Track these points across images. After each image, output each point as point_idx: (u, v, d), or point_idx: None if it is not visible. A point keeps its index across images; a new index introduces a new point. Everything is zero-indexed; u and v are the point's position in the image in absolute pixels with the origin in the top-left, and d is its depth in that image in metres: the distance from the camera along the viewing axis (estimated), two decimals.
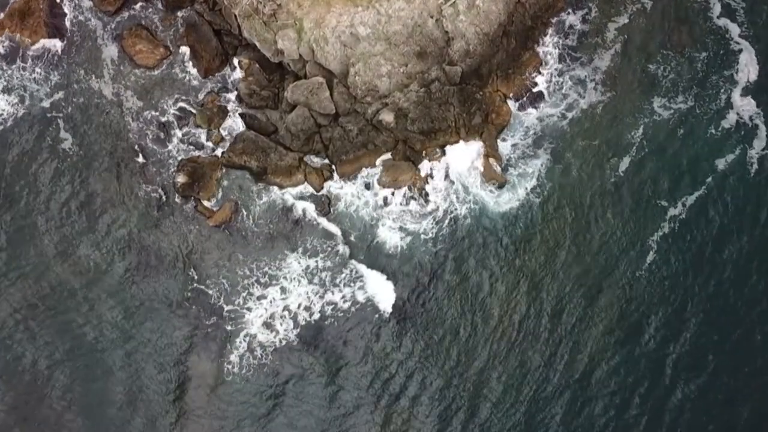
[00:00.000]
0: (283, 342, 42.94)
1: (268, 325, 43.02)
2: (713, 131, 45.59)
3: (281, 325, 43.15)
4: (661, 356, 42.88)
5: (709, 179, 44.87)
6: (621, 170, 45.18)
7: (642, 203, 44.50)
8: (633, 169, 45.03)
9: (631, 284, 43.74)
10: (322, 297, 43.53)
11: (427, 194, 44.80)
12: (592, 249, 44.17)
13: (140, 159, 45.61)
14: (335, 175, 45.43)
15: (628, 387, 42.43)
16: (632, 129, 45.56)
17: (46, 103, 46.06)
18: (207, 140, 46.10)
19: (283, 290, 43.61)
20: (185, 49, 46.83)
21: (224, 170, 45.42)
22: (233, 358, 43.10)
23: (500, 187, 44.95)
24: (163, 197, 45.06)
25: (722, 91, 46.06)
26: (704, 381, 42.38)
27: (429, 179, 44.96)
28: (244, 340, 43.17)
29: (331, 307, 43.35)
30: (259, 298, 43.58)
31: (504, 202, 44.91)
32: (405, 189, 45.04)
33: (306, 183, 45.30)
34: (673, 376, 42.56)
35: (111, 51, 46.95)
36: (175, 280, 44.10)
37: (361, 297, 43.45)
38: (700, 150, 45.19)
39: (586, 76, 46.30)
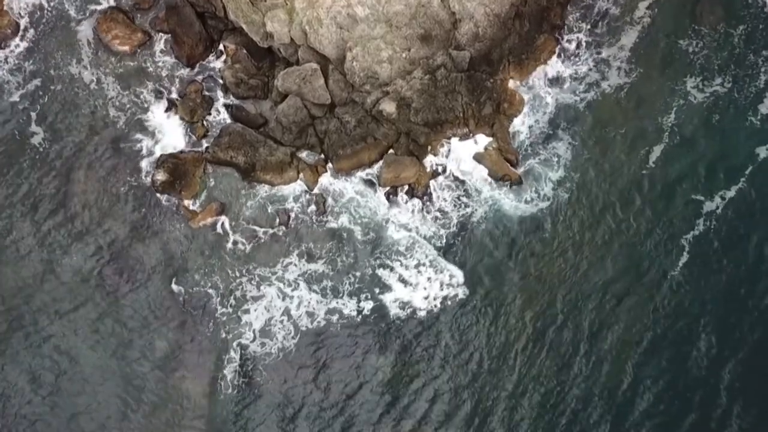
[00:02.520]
0: (281, 355, 41.51)
1: (263, 336, 41.73)
2: (752, 116, 43.49)
3: (278, 335, 41.73)
4: (693, 369, 41.11)
5: (749, 170, 42.88)
6: (651, 161, 43.24)
7: (674, 197, 42.69)
8: (664, 160, 43.13)
9: (661, 289, 41.99)
10: (320, 306, 42.23)
11: (433, 193, 43.46)
12: (619, 250, 42.48)
13: (116, 155, 43.93)
14: (331, 172, 43.77)
15: (654, 404, 40.71)
16: (663, 114, 43.57)
17: (13, 96, 44.47)
18: (189, 134, 44.38)
19: (278, 298, 42.28)
20: (165, 35, 45.10)
21: (208, 167, 43.70)
22: (223, 372, 41.55)
23: (514, 184, 43.36)
24: (142, 197, 43.37)
25: (762, 71, 43.91)
26: (748, 402, 40.22)
27: (435, 176, 43.46)
28: (236, 352, 41.69)
29: (333, 316, 42.02)
30: (250, 307, 42.12)
31: (518, 200, 43.22)
32: (408, 187, 43.50)
33: (299, 181, 43.61)
34: (707, 390, 40.68)
35: (84, 37, 45.09)
36: (156, 287, 42.44)
37: (365, 307, 42.16)
38: (739, 137, 43.18)
39: (609, 57, 44.42)
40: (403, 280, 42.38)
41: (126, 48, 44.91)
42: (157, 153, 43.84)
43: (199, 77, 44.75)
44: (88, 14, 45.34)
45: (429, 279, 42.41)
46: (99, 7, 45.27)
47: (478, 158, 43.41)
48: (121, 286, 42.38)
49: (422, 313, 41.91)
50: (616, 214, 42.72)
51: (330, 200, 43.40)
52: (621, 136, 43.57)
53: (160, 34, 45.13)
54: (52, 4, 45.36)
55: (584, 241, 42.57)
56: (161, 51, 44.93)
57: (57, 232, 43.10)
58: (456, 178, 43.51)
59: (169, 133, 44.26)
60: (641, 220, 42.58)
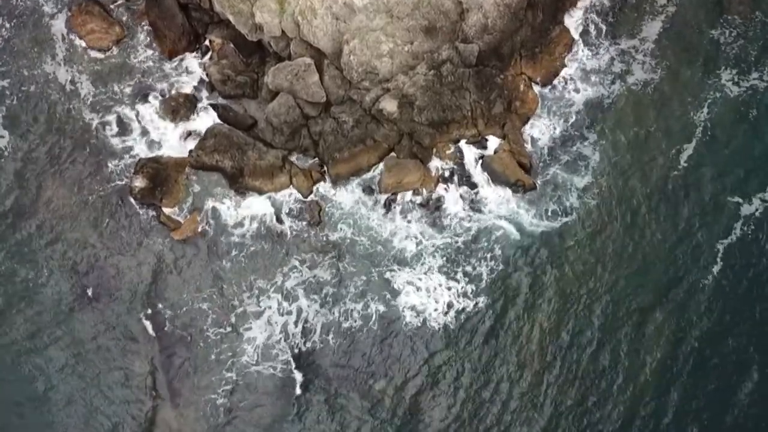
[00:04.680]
0: (275, 377, 40.28)
1: (258, 357, 40.59)
2: None
3: (273, 356, 40.51)
4: (731, 387, 39.68)
5: None
6: (683, 161, 42.33)
7: (709, 200, 41.74)
8: (698, 159, 42.30)
9: (693, 300, 40.78)
10: (317, 322, 41.08)
11: (438, 200, 42.49)
12: (649, 259, 41.37)
13: (90, 159, 42.94)
14: (327, 178, 42.85)
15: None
16: (695, 110, 42.87)
17: None
18: (172, 136, 43.55)
19: (271, 315, 41.14)
20: (145, 28, 44.58)
21: (192, 172, 42.73)
22: (210, 397, 39.92)
23: (528, 189, 42.28)
24: (119, 205, 42.40)
25: None
26: None
27: (441, 181, 42.53)
28: (226, 377, 40.29)
29: (332, 335, 40.96)
30: (238, 324, 40.89)
31: (533, 206, 42.24)
32: (411, 193, 42.59)
33: (291, 187, 42.69)
34: (745, 411, 39.21)
35: (58, 32, 44.54)
36: (133, 306, 41.18)
37: (369, 321, 40.99)
38: None
39: (632, 49, 43.77)
40: (410, 293, 41.35)
41: (103, 43, 44.16)
42: (136, 157, 42.87)
43: (182, 74, 44.04)
44: (62, 7, 44.51)
45: (438, 291, 41.19)
46: None
47: (488, 161, 42.38)
48: (96, 305, 41.18)
49: (435, 326, 40.77)
50: (645, 220, 41.84)
51: (326, 208, 42.35)
52: (649, 134, 42.67)
53: (140, 27, 44.56)
54: None
55: (610, 249, 41.71)
56: (141, 46, 44.35)
57: (24, 244, 41.97)
58: (464, 183, 42.45)
59: (148, 136, 43.44)
60: (672, 225, 41.69)
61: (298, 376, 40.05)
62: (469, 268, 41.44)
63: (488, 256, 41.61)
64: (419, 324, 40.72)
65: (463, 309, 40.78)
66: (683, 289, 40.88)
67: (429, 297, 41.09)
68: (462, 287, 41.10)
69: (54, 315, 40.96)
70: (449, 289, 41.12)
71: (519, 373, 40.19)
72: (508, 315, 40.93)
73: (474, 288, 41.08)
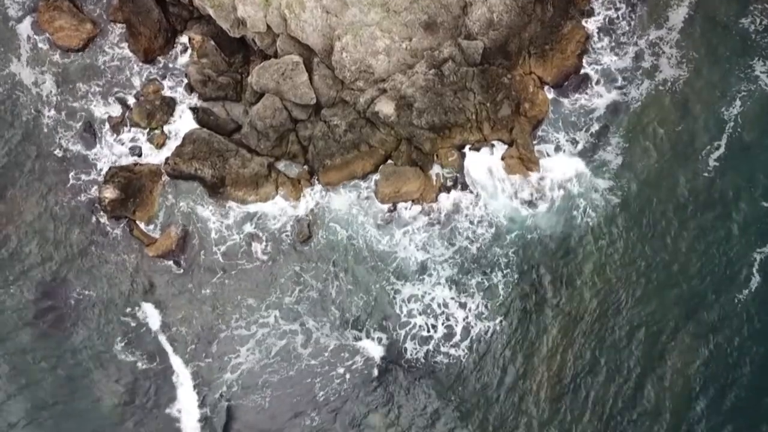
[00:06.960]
0: (260, 407, 39.26)
1: (241, 387, 39.72)
2: None
3: (258, 383, 39.47)
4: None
5: None
6: (711, 162, 41.38)
7: (742, 206, 40.75)
8: (729, 160, 41.49)
9: (727, 316, 39.68)
10: (309, 348, 40.09)
11: (440, 210, 41.55)
12: (676, 270, 40.37)
13: (58, 169, 42.14)
14: (317, 186, 42.03)
15: None
16: (726, 106, 41.94)
17: None
18: (146, 142, 42.98)
19: (254, 339, 40.19)
20: (119, 25, 43.92)
21: (168, 182, 42.17)
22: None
23: (539, 199, 41.54)
24: (88, 219, 41.49)
25: None
26: None
27: (444, 190, 41.80)
28: (208, 407, 39.34)
29: (325, 360, 40.01)
30: (220, 349, 40.11)
31: (544, 217, 41.25)
32: (412, 203, 41.71)
33: (278, 197, 42.05)
34: None
35: (24, 30, 43.72)
36: (103, 330, 40.25)
37: (365, 346, 40.12)
38: None
39: (653, 44, 42.81)
40: (414, 314, 40.52)
41: (72, 42, 43.41)
42: (107, 166, 42.14)
43: (159, 75, 43.45)
44: (29, 2, 43.94)
45: (450, 307, 40.31)
46: None
47: (494, 168, 41.47)
48: (62, 330, 40.20)
49: (439, 356, 39.70)
50: (674, 227, 40.94)
51: (317, 220, 41.37)
52: (675, 134, 41.78)
53: (113, 24, 43.85)
54: None
55: (635, 261, 40.74)
56: (114, 45, 43.73)
57: None
58: (468, 193, 41.43)
59: (121, 142, 42.71)
60: (703, 234, 40.89)
61: (285, 407, 38.85)
62: (479, 283, 40.68)
63: (494, 269, 40.82)
64: (424, 347, 39.86)
65: (473, 331, 39.96)
66: (717, 305, 39.92)
67: (437, 315, 40.19)
68: (472, 306, 40.19)
69: (15, 340, 39.72)
70: (463, 305, 40.14)
71: (541, 403, 39.19)
72: (521, 332, 40.13)
73: (483, 307, 40.23)
